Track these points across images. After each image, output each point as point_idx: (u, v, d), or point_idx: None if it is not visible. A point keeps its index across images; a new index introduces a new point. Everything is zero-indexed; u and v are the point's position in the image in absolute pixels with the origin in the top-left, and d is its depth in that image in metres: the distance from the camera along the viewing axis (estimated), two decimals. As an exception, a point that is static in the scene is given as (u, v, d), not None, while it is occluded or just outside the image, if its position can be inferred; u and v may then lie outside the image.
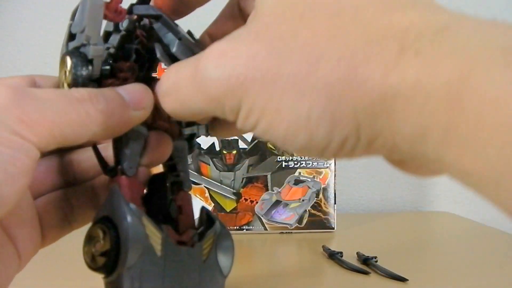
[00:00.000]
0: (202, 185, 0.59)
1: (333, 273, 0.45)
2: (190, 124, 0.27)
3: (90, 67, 0.23)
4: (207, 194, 0.59)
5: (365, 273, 0.44)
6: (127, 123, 0.23)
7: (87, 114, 0.21)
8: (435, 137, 0.17)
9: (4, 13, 0.78)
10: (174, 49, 0.25)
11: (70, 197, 0.27)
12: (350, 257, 0.48)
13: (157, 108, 0.24)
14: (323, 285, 0.44)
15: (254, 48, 0.19)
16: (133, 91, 0.23)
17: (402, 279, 0.42)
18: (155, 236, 0.23)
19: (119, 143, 0.25)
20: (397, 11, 0.18)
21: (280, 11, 0.20)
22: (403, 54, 0.17)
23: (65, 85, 0.23)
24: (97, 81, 0.24)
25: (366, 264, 0.47)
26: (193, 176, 0.59)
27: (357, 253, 0.49)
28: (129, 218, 0.22)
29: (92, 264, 0.23)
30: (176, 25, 0.26)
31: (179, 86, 0.22)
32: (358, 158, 0.20)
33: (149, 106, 0.24)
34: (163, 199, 0.27)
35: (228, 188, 0.59)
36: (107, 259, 0.22)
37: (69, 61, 0.23)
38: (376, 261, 0.46)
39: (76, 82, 0.23)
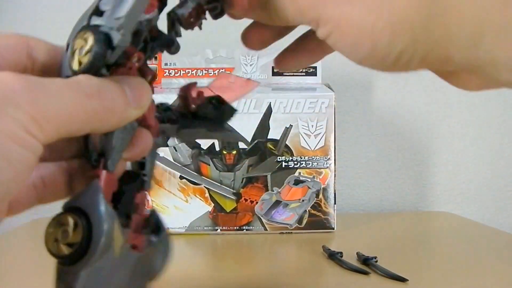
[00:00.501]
0: (202, 185, 0.59)
1: (333, 273, 0.45)
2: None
3: (110, 54, 0.22)
4: (207, 195, 0.59)
5: (365, 273, 0.44)
6: (125, 120, 0.23)
7: (94, 112, 0.21)
8: (490, 35, 0.20)
9: (4, 13, 0.78)
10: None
11: (44, 175, 0.26)
12: (350, 257, 0.48)
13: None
14: (323, 285, 0.44)
15: None
16: (136, 87, 0.23)
17: (402, 279, 0.42)
18: (118, 239, 0.23)
19: (109, 136, 0.24)
20: None
21: None
22: None
23: (76, 62, 0.22)
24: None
25: (366, 264, 0.47)
26: (193, 176, 0.59)
27: (357, 253, 0.49)
28: (106, 225, 0.22)
29: (54, 250, 0.22)
30: None
31: None
32: (414, 70, 0.24)
33: (147, 104, 0.24)
34: (129, 196, 0.27)
35: (228, 189, 0.59)
36: (73, 251, 0.22)
37: (91, 40, 0.22)
38: (376, 261, 0.46)
39: (92, 66, 0.22)
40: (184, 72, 0.64)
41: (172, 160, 0.59)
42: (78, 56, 0.22)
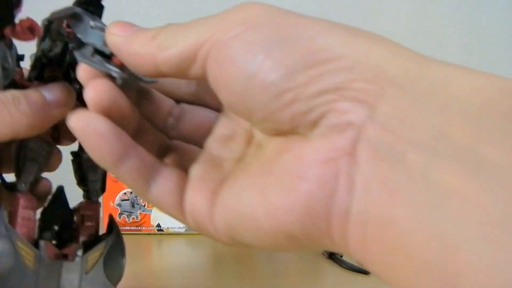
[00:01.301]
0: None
1: (333, 273, 0.45)
2: None
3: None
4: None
5: (365, 273, 0.44)
6: (49, 121, 0.25)
7: (10, 115, 0.24)
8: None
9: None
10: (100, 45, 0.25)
11: None
12: (350, 257, 0.48)
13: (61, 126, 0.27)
14: (323, 285, 0.44)
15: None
16: (54, 90, 0.26)
17: (402, 279, 0.42)
18: (27, 254, 0.25)
19: (18, 160, 0.27)
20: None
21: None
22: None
23: None
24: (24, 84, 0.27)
25: (366, 264, 0.46)
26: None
27: (357, 253, 0.49)
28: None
29: None
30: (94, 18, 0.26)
31: (131, 43, 0.22)
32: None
33: (69, 103, 0.26)
34: (65, 208, 0.29)
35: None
36: None
37: None
38: (376, 261, 0.46)
39: None
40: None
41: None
42: None
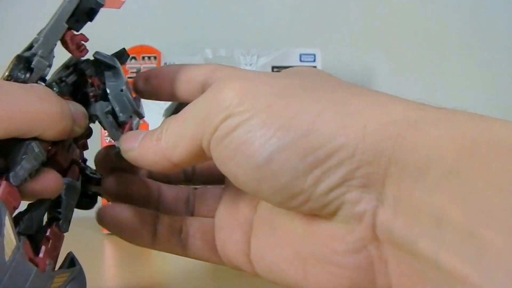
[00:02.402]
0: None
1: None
2: (99, 182, 0.30)
3: (27, 74, 0.24)
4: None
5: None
6: (68, 133, 0.25)
7: (45, 114, 0.23)
8: None
9: (4, 13, 0.78)
10: (117, 110, 0.27)
11: None
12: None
13: (63, 145, 0.26)
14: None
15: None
16: (77, 108, 0.26)
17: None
18: (9, 240, 0.23)
19: (17, 151, 0.25)
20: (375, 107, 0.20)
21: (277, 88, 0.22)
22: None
23: None
24: None
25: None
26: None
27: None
28: None
29: None
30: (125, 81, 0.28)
31: (146, 154, 0.24)
32: None
33: (84, 126, 0.26)
34: (39, 221, 0.27)
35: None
36: None
37: (12, 61, 0.24)
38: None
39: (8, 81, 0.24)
40: (184, 71, 0.64)
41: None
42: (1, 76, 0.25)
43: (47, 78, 0.27)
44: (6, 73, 0.24)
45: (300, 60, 0.63)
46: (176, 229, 0.28)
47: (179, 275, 0.43)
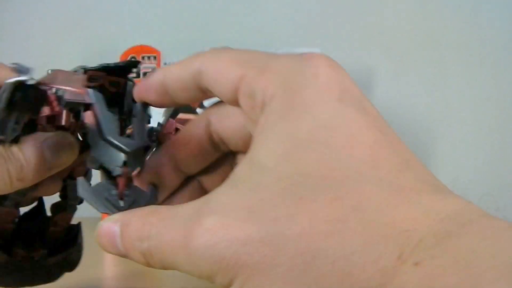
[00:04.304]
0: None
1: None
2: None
3: None
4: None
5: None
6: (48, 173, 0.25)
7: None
8: None
9: (4, 13, 0.78)
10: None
11: None
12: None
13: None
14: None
15: (246, 230, 0.18)
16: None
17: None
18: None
19: None
20: (403, 203, 0.17)
21: (279, 188, 0.19)
22: (402, 263, 0.16)
23: None
24: None
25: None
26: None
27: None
28: None
29: None
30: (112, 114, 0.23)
31: (165, 250, 0.20)
32: None
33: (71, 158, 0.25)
34: (43, 219, 0.31)
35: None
36: None
37: None
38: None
39: None
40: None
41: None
42: None
43: None
44: None
45: (300, 60, 0.63)
46: None
47: (179, 275, 0.43)
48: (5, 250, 0.30)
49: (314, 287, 0.17)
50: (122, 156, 0.22)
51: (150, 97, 0.25)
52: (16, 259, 0.30)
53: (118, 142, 0.22)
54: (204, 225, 0.19)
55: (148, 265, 0.21)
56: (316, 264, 0.17)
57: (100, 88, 0.24)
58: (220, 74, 0.22)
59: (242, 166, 0.20)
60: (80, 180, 0.22)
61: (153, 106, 0.25)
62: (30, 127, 0.24)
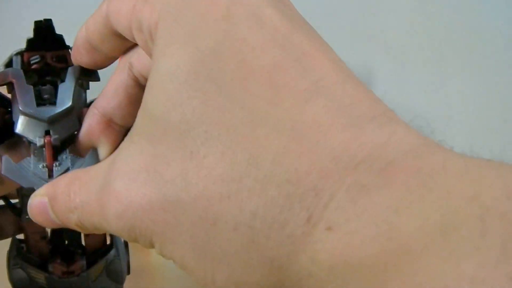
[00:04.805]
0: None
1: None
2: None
3: None
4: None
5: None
6: None
7: None
8: None
9: (4, 13, 0.78)
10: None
11: None
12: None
13: None
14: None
15: (147, 194, 0.16)
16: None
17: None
18: (38, 275, 0.29)
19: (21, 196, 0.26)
20: (307, 149, 0.15)
21: (168, 140, 0.16)
22: (313, 227, 0.14)
23: None
24: None
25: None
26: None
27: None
28: (14, 272, 0.29)
29: None
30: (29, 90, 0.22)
31: (92, 219, 0.19)
32: None
33: None
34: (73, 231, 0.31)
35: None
36: None
37: None
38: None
39: None
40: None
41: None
42: None
43: None
44: None
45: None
46: None
47: (179, 275, 0.43)
48: (43, 268, 0.29)
49: (221, 254, 0.15)
50: (43, 126, 0.21)
51: (82, 58, 0.23)
52: (55, 275, 0.29)
53: (33, 112, 0.21)
54: (112, 192, 0.17)
55: (88, 232, 0.21)
56: (217, 230, 0.15)
57: (47, 69, 0.24)
58: (118, 11, 0.20)
59: (138, 115, 0.18)
60: (4, 157, 0.21)
61: (91, 68, 0.23)
62: None
